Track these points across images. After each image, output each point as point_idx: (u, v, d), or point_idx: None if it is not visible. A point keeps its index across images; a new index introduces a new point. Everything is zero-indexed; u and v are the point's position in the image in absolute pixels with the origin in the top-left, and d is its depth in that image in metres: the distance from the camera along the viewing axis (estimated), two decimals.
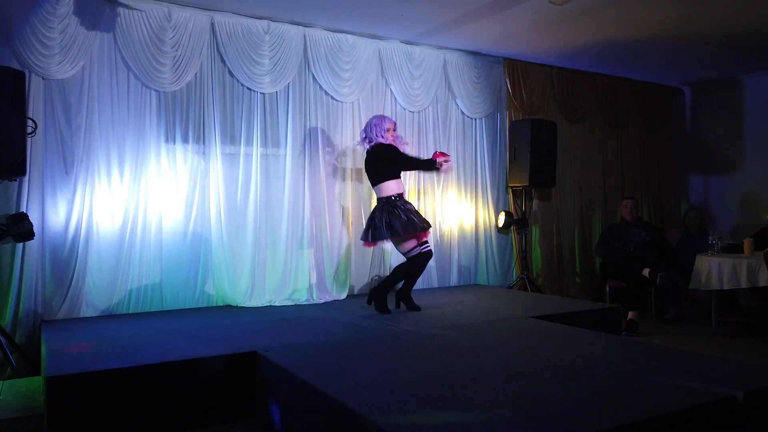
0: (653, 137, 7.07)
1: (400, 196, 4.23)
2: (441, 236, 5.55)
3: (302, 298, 4.75)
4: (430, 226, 4.31)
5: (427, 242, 4.31)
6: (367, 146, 4.31)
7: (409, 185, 5.37)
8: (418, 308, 4.30)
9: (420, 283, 5.40)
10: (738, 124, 6.77)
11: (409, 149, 4.68)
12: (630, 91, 6.79)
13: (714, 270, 4.77)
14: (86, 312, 4.07)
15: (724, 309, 5.32)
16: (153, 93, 4.31)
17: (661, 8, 4.55)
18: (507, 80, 5.90)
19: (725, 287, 4.73)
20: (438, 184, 5.54)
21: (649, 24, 4.91)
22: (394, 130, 4.32)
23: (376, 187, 4.27)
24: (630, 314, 5.03)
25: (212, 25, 4.48)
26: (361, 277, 5.14)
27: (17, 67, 3.78)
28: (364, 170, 4.45)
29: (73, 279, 4.03)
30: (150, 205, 4.29)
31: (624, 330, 4.87)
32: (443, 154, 4.34)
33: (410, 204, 4.29)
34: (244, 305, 4.52)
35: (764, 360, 4.16)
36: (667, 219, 7.11)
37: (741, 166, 6.74)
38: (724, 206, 6.85)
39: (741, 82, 6.74)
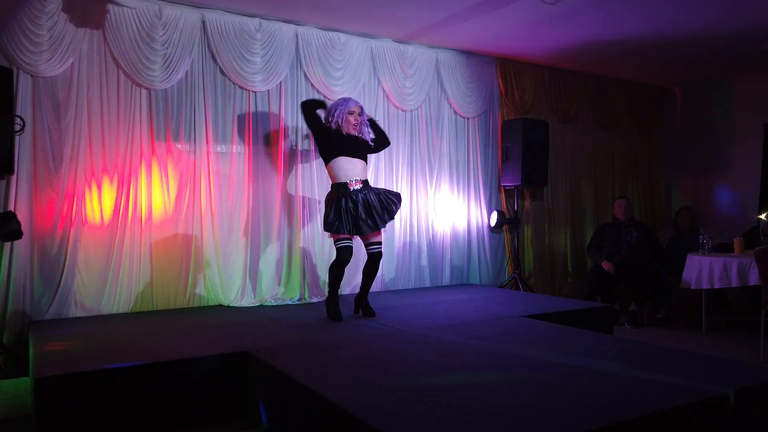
0: (644, 137, 7.11)
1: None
2: (433, 236, 5.55)
3: (295, 297, 4.74)
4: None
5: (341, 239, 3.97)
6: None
7: (402, 184, 5.37)
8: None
9: (413, 283, 5.43)
10: (728, 124, 6.82)
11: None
12: (621, 92, 6.82)
13: (705, 269, 4.79)
14: (75, 312, 4.03)
15: (714, 308, 5.36)
16: (143, 91, 4.27)
17: (653, 9, 4.57)
18: (499, 80, 5.90)
19: (716, 286, 4.76)
20: (430, 183, 5.54)
21: (640, 25, 4.93)
22: (359, 114, 4.04)
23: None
24: (631, 305, 5.29)
25: (203, 22, 4.45)
26: (353, 277, 5.11)
27: (5, 63, 3.74)
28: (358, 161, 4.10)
29: (62, 279, 3.99)
30: (140, 204, 4.26)
31: (626, 322, 5.21)
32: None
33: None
34: (235, 305, 4.49)
35: (755, 358, 4.19)
36: (658, 219, 7.14)
37: (731, 165, 6.78)
38: (714, 206, 6.89)
39: (731, 82, 6.79)
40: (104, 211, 4.15)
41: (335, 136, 4.04)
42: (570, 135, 6.46)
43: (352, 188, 3.94)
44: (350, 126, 4.02)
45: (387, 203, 4.01)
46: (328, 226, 3.93)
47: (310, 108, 4.23)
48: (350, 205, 3.90)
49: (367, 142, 4.12)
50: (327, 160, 4.06)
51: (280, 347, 3.14)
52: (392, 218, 4.05)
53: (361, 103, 4.28)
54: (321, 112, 4.24)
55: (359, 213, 3.90)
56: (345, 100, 4.09)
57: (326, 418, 2.29)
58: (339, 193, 3.94)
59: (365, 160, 4.11)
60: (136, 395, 2.78)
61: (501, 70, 5.90)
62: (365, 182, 4.02)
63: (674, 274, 5.47)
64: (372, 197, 3.97)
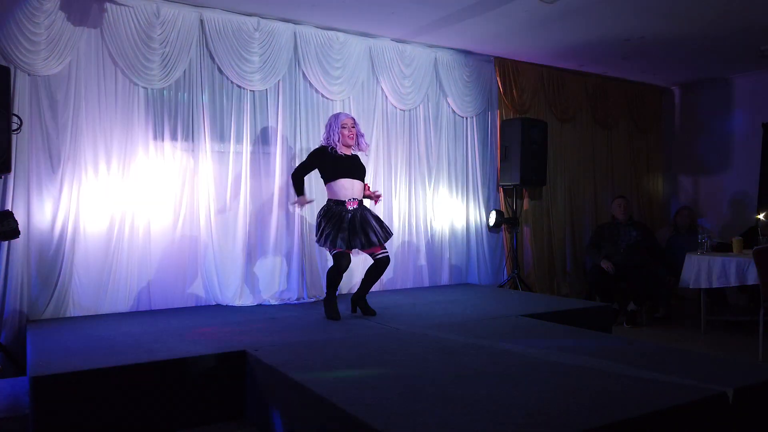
0: (643, 137, 7.11)
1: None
2: (432, 235, 5.55)
3: (293, 297, 4.73)
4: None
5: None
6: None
7: (400, 183, 5.36)
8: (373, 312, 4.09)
9: (411, 282, 5.42)
10: (727, 123, 6.82)
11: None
12: (620, 91, 6.82)
13: (703, 268, 4.79)
14: (73, 312, 4.02)
15: (713, 307, 5.35)
16: (141, 90, 4.26)
17: (651, 8, 4.57)
18: (498, 79, 5.90)
19: (714, 285, 4.76)
20: (429, 183, 5.54)
21: (638, 24, 4.93)
22: (352, 126, 4.07)
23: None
24: (630, 304, 5.30)
25: (201, 21, 4.44)
26: (353, 276, 5.10)
27: (2, 62, 3.73)
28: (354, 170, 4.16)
29: (60, 278, 3.98)
30: (138, 204, 4.24)
31: (625, 322, 5.24)
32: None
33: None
34: (233, 305, 4.48)
35: (753, 357, 4.19)
36: (657, 218, 7.14)
37: (730, 165, 6.78)
38: (713, 205, 6.89)
39: (730, 81, 6.79)
40: (102, 211, 4.13)
41: (335, 159, 4.03)
42: (569, 134, 6.46)
43: (349, 207, 3.96)
44: (346, 138, 4.03)
45: (382, 223, 4.07)
46: (323, 240, 3.92)
47: (298, 175, 4.17)
48: (346, 221, 3.90)
49: (364, 167, 4.14)
50: (328, 180, 4.05)
51: (279, 347, 3.13)
52: (391, 235, 4.08)
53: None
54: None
55: (356, 230, 3.90)
56: (336, 116, 4.12)
57: (325, 417, 2.28)
58: (335, 209, 3.96)
59: (363, 180, 4.12)
60: (133, 395, 2.77)
61: (500, 70, 5.89)
62: (360, 202, 4.05)
63: (673, 274, 5.47)
64: (368, 215, 4.01)
